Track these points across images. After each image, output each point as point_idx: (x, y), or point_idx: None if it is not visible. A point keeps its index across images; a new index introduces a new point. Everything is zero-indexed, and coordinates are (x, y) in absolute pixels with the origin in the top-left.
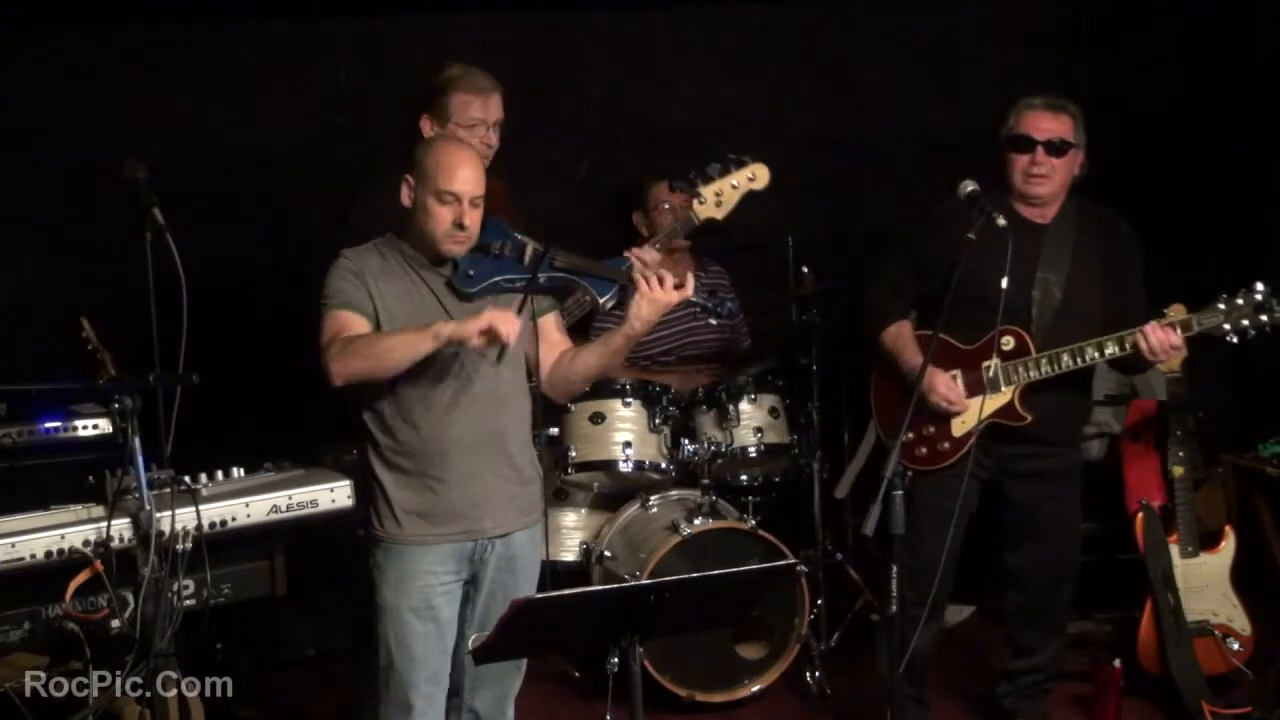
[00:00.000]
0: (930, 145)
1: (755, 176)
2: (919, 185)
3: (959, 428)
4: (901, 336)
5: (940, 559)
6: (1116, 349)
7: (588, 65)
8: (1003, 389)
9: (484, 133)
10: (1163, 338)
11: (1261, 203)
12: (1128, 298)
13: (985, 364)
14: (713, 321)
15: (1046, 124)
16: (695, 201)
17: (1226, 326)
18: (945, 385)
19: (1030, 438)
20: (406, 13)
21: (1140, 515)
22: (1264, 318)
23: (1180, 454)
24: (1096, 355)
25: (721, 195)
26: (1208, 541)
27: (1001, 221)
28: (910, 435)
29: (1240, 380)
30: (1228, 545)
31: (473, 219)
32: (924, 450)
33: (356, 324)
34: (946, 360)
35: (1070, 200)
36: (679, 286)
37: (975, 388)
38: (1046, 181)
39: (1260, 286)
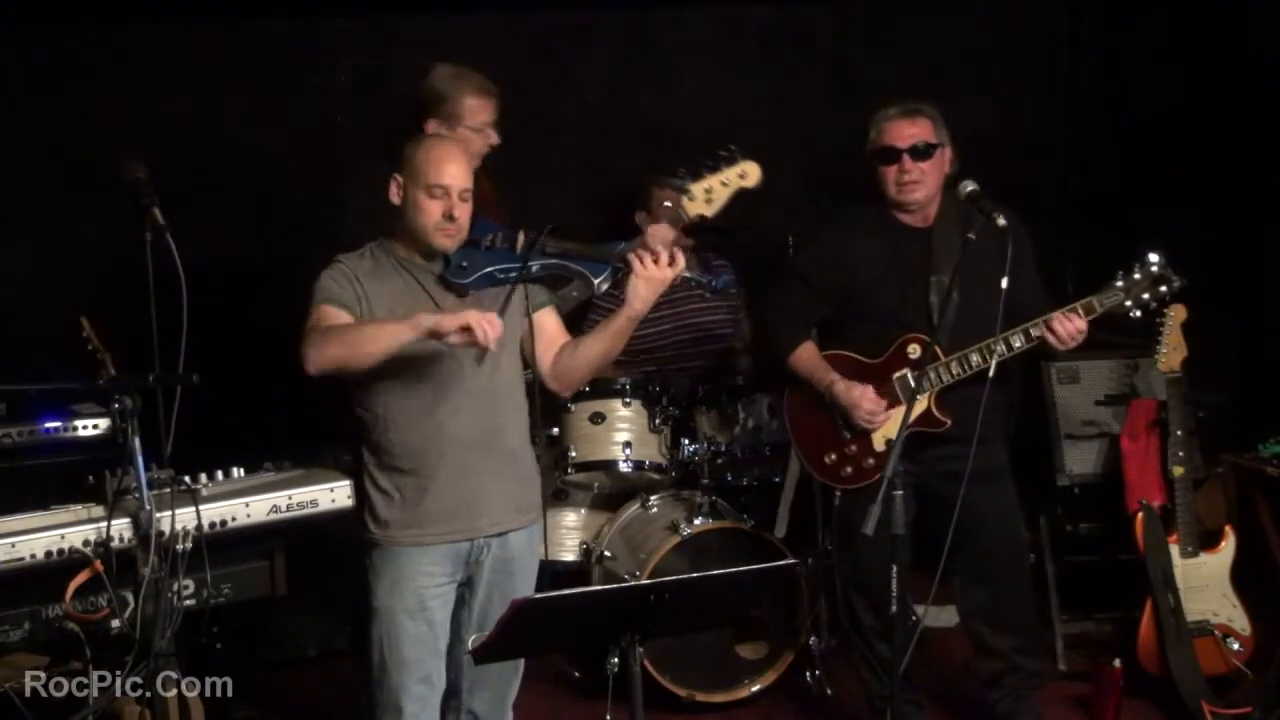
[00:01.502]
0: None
1: (746, 174)
2: None
3: (880, 442)
4: (810, 358)
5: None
6: (1023, 341)
7: (588, 65)
8: (917, 397)
9: (490, 133)
10: (1070, 326)
11: (1262, 202)
12: (1024, 286)
13: (896, 375)
14: (709, 296)
15: (907, 131)
16: (684, 198)
17: (1129, 303)
18: (868, 399)
19: (952, 438)
20: (406, 13)
21: (1140, 515)
22: (1163, 288)
23: (1180, 454)
24: (1004, 350)
25: (711, 192)
26: (1208, 541)
27: (1002, 221)
28: (833, 456)
29: (1240, 380)
30: (1228, 545)
31: (462, 212)
32: (849, 470)
33: (340, 318)
34: (854, 376)
35: (948, 198)
36: (671, 263)
37: (890, 400)
38: (919, 187)
39: (1154, 258)
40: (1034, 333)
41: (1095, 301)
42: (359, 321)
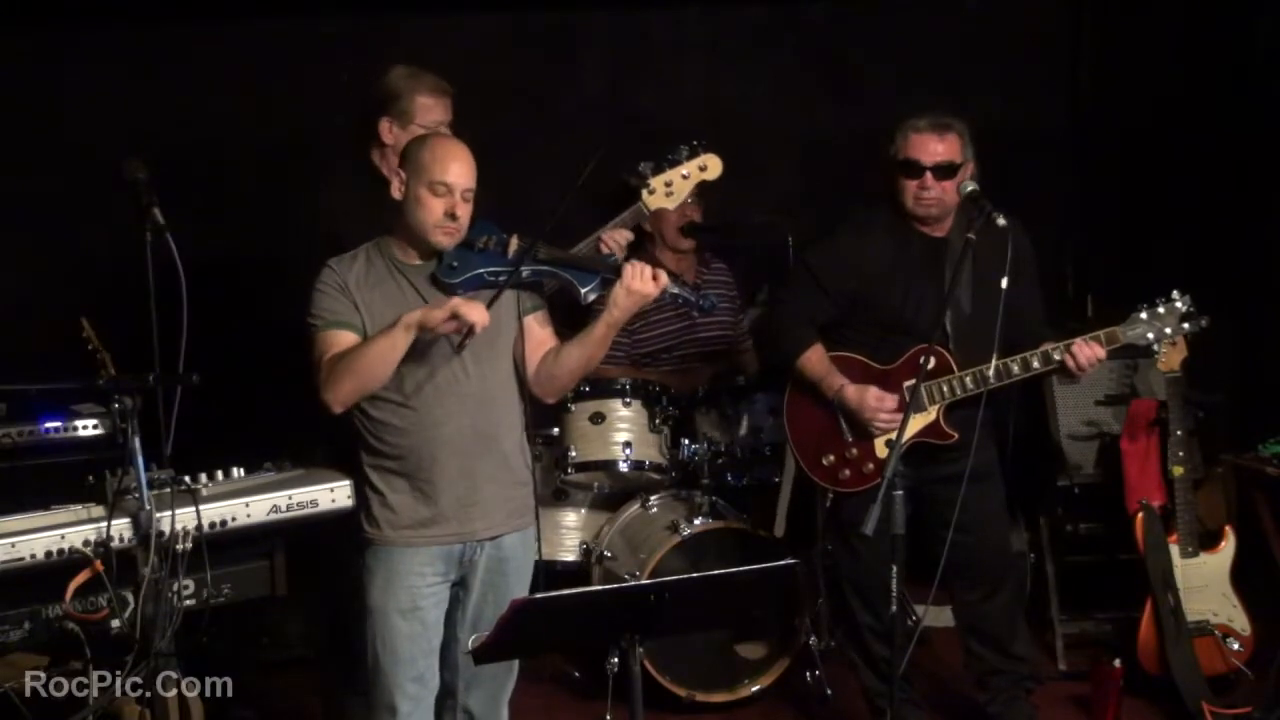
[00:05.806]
0: None
1: (706, 166)
2: None
3: (882, 448)
4: (820, 361)
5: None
6: (1041, 364)
7: (588, 65)
8: (927, 408)
9: (445, 133)
10: (1089, 353)
11: (1262, 202)
12: (1027, 302)
13: (906, 384)
14: (695, 315)
15: (933, 147)
16: (644, 192)
17: (1150, 336)
18: (878, 399)
19: (946, 444)
20: (406, 13)
21: (1140, 515)
22: (1187, 325)
23: (1180, 454)
24: (1020, 370)
25: (671, 185)
26: (1208, 541)
27: (1002, 221)
28: (832, 458)
29: (1240, 380)
30: (1228, 545)
31: (464, 211)
32: (847, 473)
33: (346, 341)
34: (863, 381)
35: (960, 208)
36: (655, 279)
37: (899, 405)
38: (938, 203)
39: (1176, 294)
40: (1055, 357)
41: (1119, 332)
42: (354, 348)
